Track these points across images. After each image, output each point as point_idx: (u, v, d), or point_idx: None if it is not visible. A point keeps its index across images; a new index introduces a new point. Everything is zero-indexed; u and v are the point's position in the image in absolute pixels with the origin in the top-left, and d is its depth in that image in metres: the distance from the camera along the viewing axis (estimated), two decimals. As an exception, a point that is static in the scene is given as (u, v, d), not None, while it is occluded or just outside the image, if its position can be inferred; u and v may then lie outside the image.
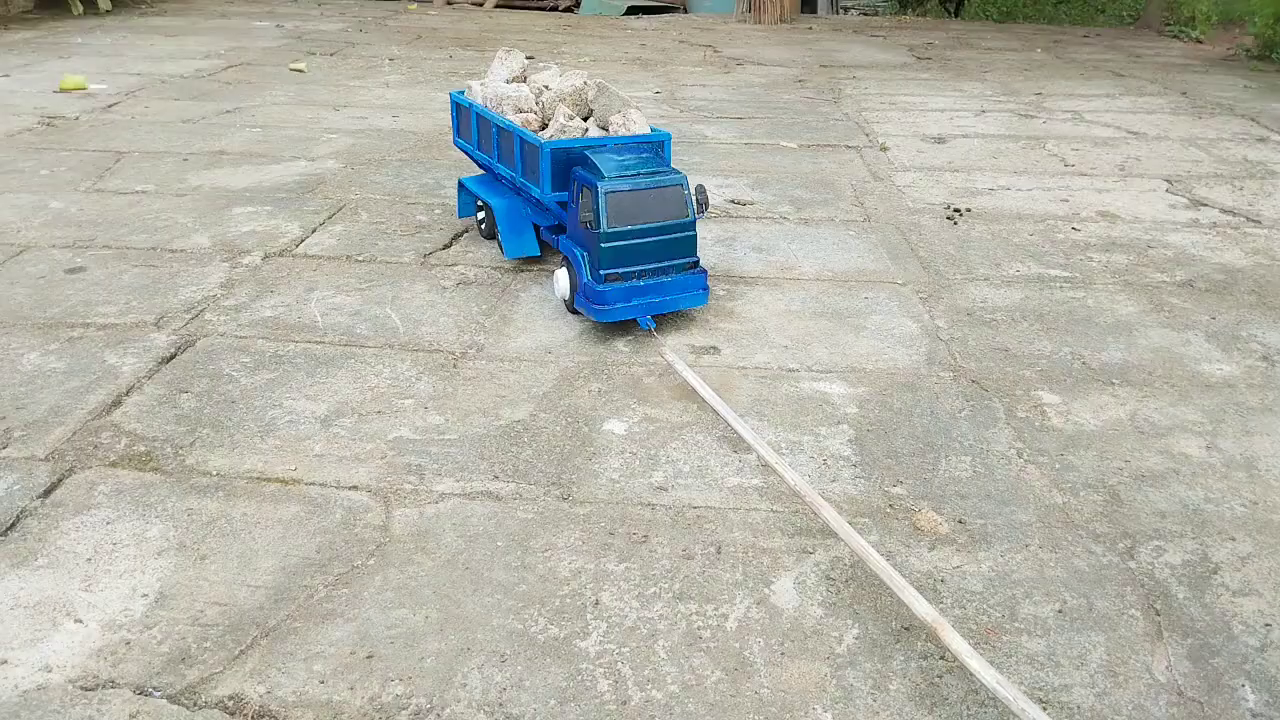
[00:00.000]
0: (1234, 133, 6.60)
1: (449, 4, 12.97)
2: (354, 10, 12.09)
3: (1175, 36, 11.66)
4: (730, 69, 8.86)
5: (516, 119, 3.77)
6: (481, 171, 4.32)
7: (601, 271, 3.27)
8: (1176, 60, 9.86)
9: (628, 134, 3.57)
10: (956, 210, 4.87)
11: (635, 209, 3.27)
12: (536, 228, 3.90)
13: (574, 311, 3.47)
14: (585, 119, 3.80)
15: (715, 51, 9.86)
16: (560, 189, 3.49)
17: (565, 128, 3.59)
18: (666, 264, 3.37)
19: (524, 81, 4.15)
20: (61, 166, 5.23)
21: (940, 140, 6.29)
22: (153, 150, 5.57)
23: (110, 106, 6.60)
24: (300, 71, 8.02)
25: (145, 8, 11.55)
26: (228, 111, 6.56)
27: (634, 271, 3.32)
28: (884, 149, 6.03)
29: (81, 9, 10.80)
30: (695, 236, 3.41)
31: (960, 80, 8.44)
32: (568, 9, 12.89)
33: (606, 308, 3.29)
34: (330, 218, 4.55)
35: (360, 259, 4.07)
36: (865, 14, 13.88)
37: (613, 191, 3.24)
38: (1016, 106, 7.35)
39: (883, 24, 12.55)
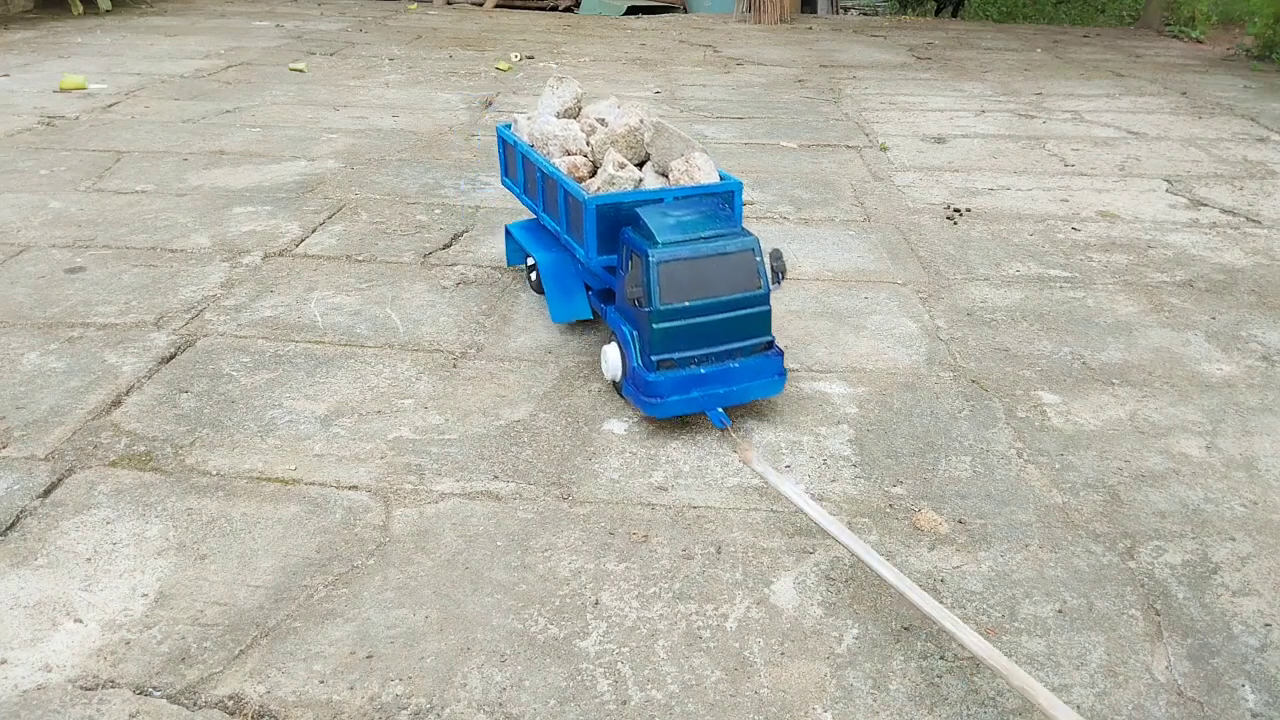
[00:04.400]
0: (1234, 133, 6.60)
1: (449, 4, 12.97)
2: (354, 10, 12.09)
3: (1175, 36, 11.66)
4: (730, 69, 8.86)
5: (563, 164, 3.24)
6: (531, 217, 3.77)
7: (653, 357, 2.73)
8: (1176, 60, 9.86)
9: (691, 183, 3.01)
10: (956, 210, 4.87)
11: (695, 281, 2.72)
12: (589, 286, 3.35)
13: (623, 397, 2.97)
14: (641, 164, 3.29)
15: (715, 51, 9.86)
16: (609, 251, 2.97)
17: (615, 178, 3.04)
18: (733, 346, 2.80)
19: (577, 116, 3.64)
20: (61, 166, 5.23)
21: (940, 140, 6.29)
22: (153, 150, 5.57)
23: (110, 106, 6.60)
24: (300, 71, 8.02)
25: (145, 8, 11.55)
26: (228, 111, 6.56)
27: (693, 357, 2.76)
28: (884, 149, 6.03)
29: (81, 9, 10.80)
30: (769, 312, 2.84)
31: (960, 80, 8.44)
32: (568, 9, 12.89)
33: (659, 401, 2.74)
34: (330, 218, 4.55)
35: (360, 259, 4.07)
36: (865, 14, 13.88)
37: (667, 261, 2.69)
38: (1016, 106, 7.35)
39: (883, 24, 12.55)
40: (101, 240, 4.19)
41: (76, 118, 6.26)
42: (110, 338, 3.33)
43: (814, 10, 13.60)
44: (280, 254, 4.10)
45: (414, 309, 3.61)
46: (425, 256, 4.11)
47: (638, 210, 2.84)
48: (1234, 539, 2.41)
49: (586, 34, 10.87)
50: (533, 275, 3.71)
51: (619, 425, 2.86)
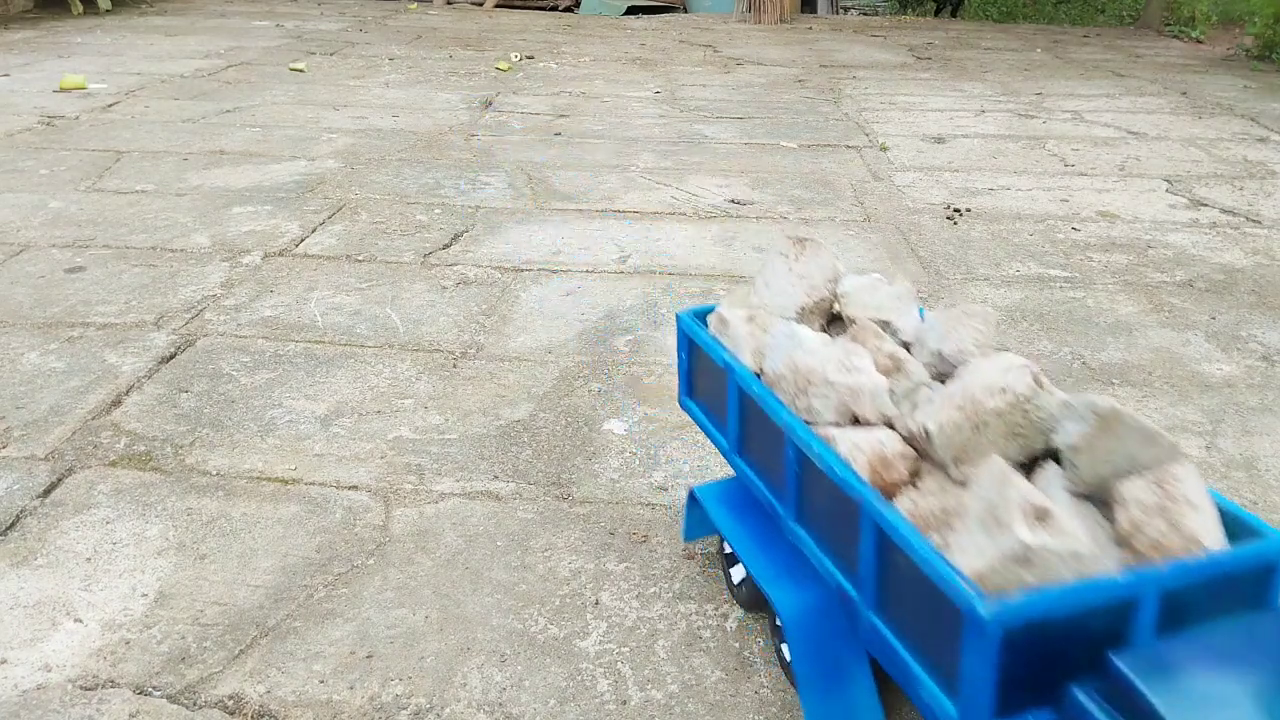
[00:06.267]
0: (1234, 133, 6.60)
1: (449, 4, 12.97)
2: (354, 10, 12.09)
3: (1175, 36, 11.66)
4: (730, 69, 8.86)
5: (859, 451, 1.61)
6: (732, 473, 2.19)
7: None
8: (1176, 60, 9.86)
9: (1180, 546, 1.38)
10: (956, 210, 4.87)
11: None
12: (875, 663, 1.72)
13: None
14: (1029, 463, 1.60)
15: (715, 51, 9.86)
16: (1019, 708, 1.34)
17: (1030, 552, 1.30)
18: None
19: (831, 315, 2.06)
20: (61, 166, 5.23)
21: (940, 140, 6.29)
22: (153, 150, 5.57)
23: (110, 106, 6.60)
24: (300, 71, 8.02)
25: (145, 7, 11.55)
26: (228, 111, 6.56)
27: None
28: (884, 149, 6.03)
29: (81, 9, 10.80)
30: None
31: (960, 80, 8.44)
32: (568, 9, 12.89)
33: None
34: (330, 217, 4.55)
35: (360, 259, 4.07)
36: (865, 14, 13.88)
37: None
38: (1016, 106, 7.35)
39: (883, 24, 12.55)
40: (101, 240, 4.19)
41: (76, 118, 6.26)
42: (110, 338, 3.33)
43: (814, 10, 13.60)
44: (280, 254, 4.10)
45: (414, 309, 3.61)
46: (425, 256, 4.11)
47: (1121, 663, 1.26)
48: (1234, 539, 2.41)
49: (586, 34, 10.87)
50: (734, 572, 2.15)
51: (619, 425, 2.86)
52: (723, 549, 2.20)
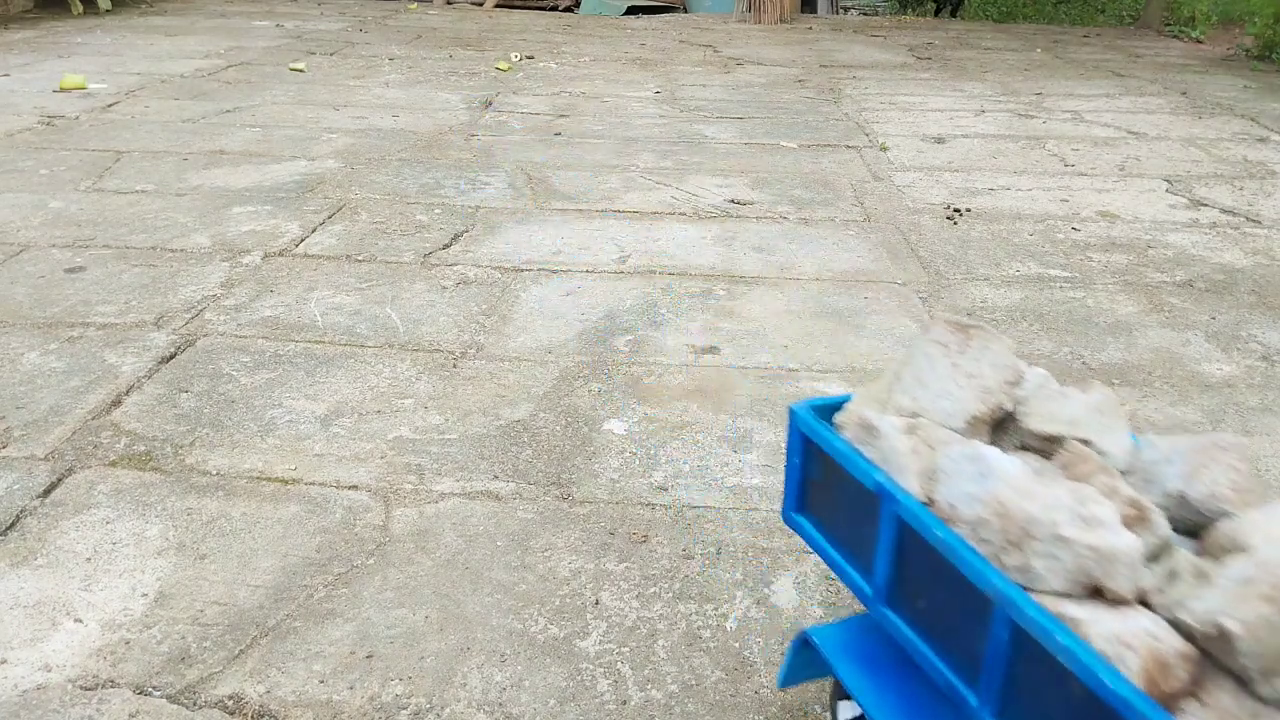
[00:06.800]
0: (1234, 133, 6.60)
1: (449, 4, 12.97)
2: (354, 10, 12.09)
3: (1175, 36, 11.66)
4: (730, 69, 8.86)
5: (1130, 653, 1.17)
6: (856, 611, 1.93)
7: None
8: (1176, 60, 9.86)
9: None
10: (956, 210, 4.87)
11: None
12: None
13: None
14: None
15: (715, 51, 9.86)
16: None
17: None
18: None
19: (1001, 418, 1.55)
20: (61, 166, 5.23)
21: (940, 140, 6.29)
22: (153, 150, 5.57)
23: (110, 106, 6.60)
24: (300, 71, 8.02)
25: (145, 7, 11.55)
26: (228, 111, 6.56)
27: None
28: (884, 149, 6.03)
29: (81, 9, 10.80)
30: None
31: (960, 80, 8.44)
32: (568, 9, 12.88)
33: None
34: (330, 217, 4.55)
35: (360, 259, 4.07)
36: (865, 14, 13.88)
37: None
38: (1016, 106, 7.35)
39: (883, 24, 12.54)
40: (101, 240, 4.19)
41: (76, 118, 6.26)
42: (110, 338, 3.33)
43: (814, 10, 13.59)
44: (280, 254, 4.10)
45: (414, 309, 3.61)
46: (425, 256, 4.11)
47: None
48: (1234, 539, 2.41)
49: (586, 34, 10.87)
50: None
51: (619, 425, 2.86)
52: (835, 706, 1.73)
